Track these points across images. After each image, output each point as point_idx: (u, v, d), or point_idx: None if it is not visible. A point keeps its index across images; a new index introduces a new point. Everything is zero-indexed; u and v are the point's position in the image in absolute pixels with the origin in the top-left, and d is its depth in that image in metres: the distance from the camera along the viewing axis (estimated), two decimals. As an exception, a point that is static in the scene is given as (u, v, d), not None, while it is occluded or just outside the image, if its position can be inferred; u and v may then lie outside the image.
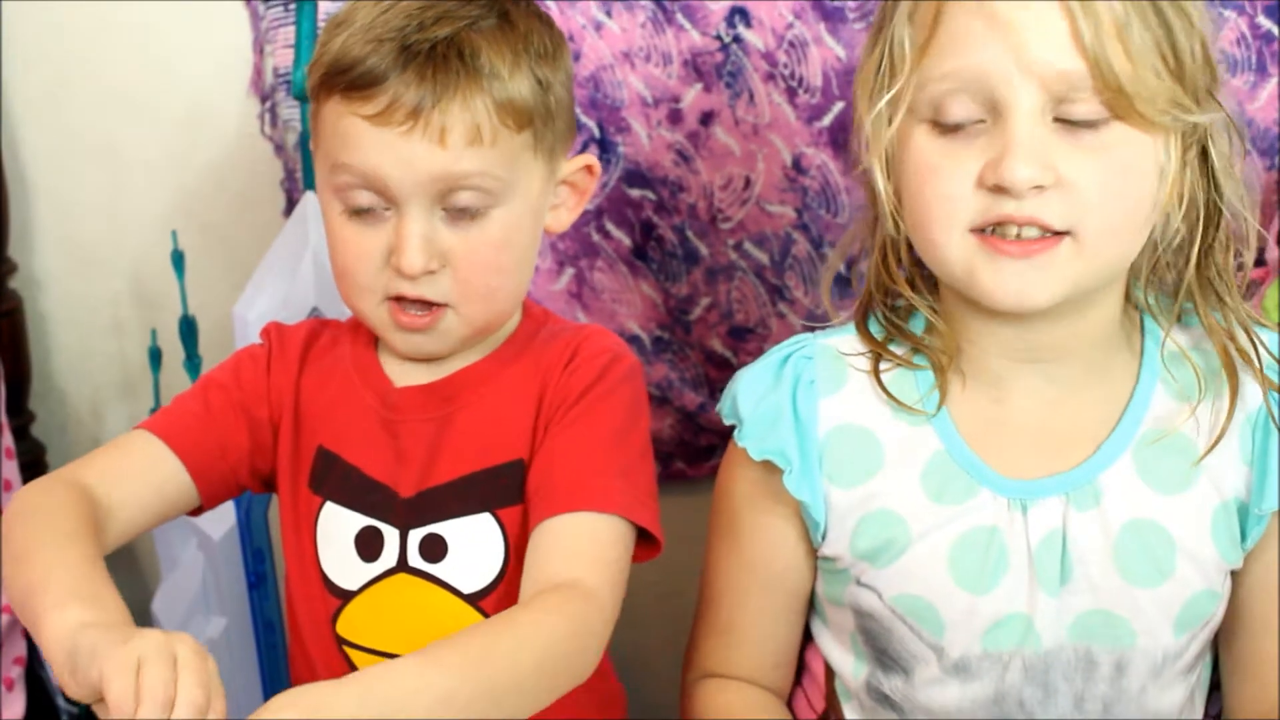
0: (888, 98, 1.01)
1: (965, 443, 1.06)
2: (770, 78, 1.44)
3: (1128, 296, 1.08)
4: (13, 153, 1.61)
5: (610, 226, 1.49)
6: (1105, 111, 0.97)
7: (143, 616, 1.46)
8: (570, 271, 1.50)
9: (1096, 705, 1.06)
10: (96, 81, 1.58)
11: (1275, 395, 1.05)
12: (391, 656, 1.06)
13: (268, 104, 1.53)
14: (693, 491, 1.23)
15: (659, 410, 1.51)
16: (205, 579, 1.43)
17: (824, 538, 1.09)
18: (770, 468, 1.07)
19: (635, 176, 1.47)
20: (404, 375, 1.12)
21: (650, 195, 1.48)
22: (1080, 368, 1.06)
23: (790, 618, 1.15)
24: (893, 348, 1.09)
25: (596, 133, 1.46)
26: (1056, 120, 0.98)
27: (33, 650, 1.52)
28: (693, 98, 1.45)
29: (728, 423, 1.11)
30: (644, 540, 1.06)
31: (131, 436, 1.10)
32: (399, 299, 1.06)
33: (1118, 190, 0.98)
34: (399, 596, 1.09)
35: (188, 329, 1.50)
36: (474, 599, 1.08)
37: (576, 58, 1.44)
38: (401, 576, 1.09)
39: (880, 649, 1.09)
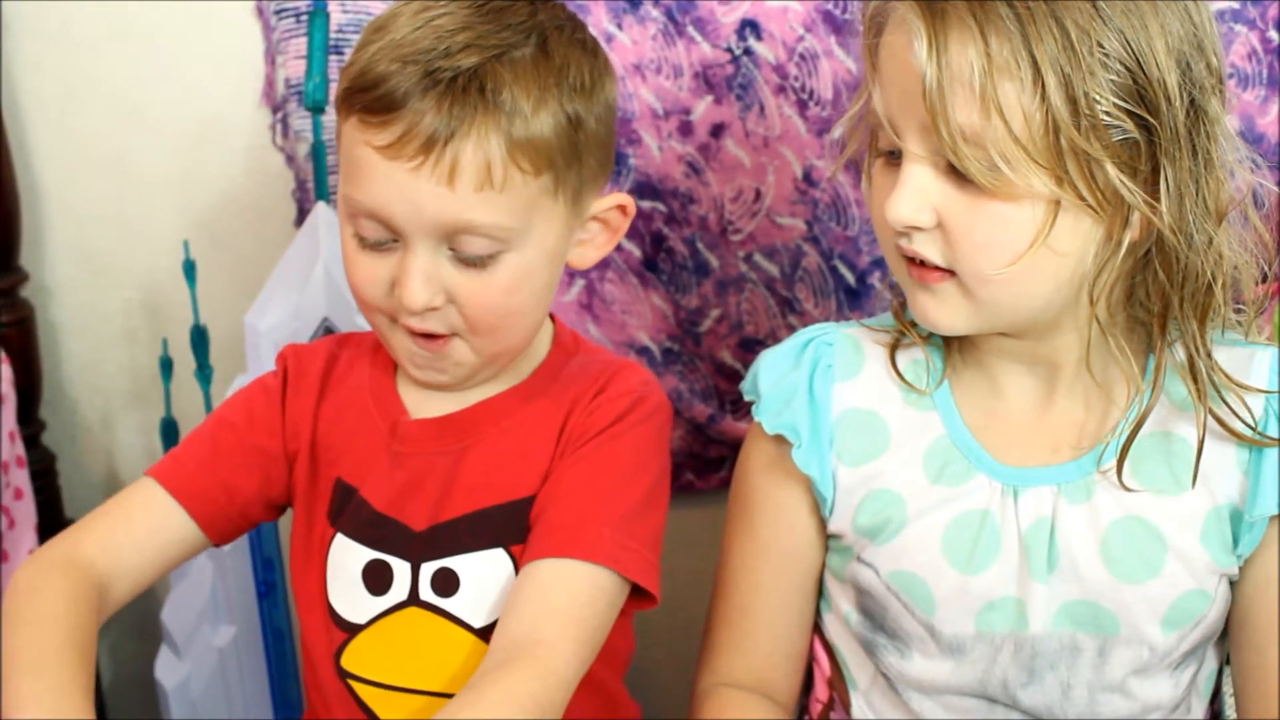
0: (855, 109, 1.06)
1: (966, 428, 1.08)
2: (781, 90, 1.44)
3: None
4: (24, 162, 1.62)
5: (621, 238, 1.49)
6: (995, 164, 0.97)
7: (152, 626, 1.46)
8: (581, 283, 1.50)
9: (1082, 692, 1.07)
10: (108, 91, 1.59)
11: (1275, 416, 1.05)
12: (397, 690, 1.08)
13: (279, 115, 1.53)
14: (701, 504, 1.22)
15: (671, 416, 1.51)
16: (214, 588, 1.43)
17: (831, 513, 1.11)
18: (783, 443, 1.11)
19: (646, 188, 1.48)
20: (423, 405, 1.10)
21: (661, 207, 1.48)
22: (1074, 373, 1.06)
23: (801, 604, 1.15)
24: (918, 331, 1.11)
25: (607, 144, 1.47)
26: (951, 166, 0.99)
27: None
28: (703, 110, 1.45)
29: (748, 399, 1.14)
30: (640, 591, 1.05)
31: (139, 488, 1.10)
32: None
33: (988, 240, 0.99)
34: (409, 630, 1.08)
35: (199, 338, 1.50)
36: (484, 633, 1.07)
37: (588, 70, 1.44)
38: (412, 610, 1.08)
39: (878, 626, 1.11)
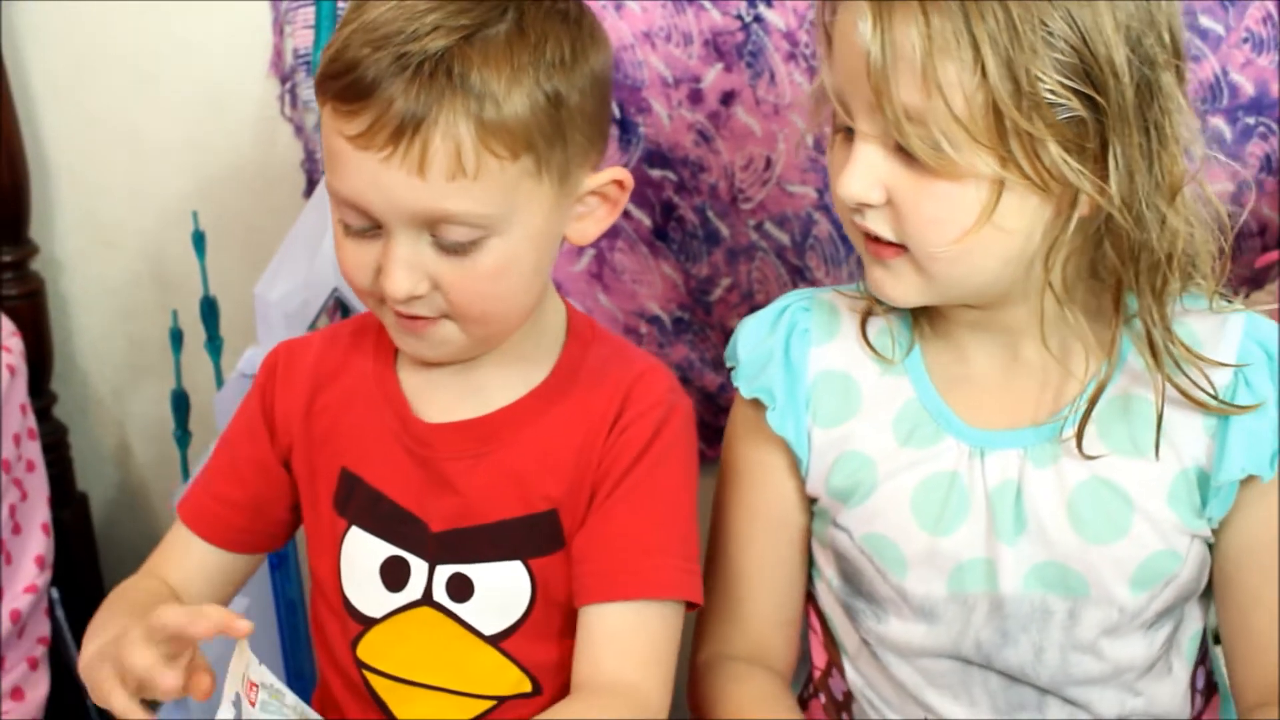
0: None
1: (936, 391, 1.09)
2: (791, 57, 1.43)
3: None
4: (34, 135, 1.62)
5: (631, 207, 1.49)
6: (939, 144, 0.97)
7: (165, 597, 1.47)
8: (591, 252, 1.50)
9: (1055, 654, 1.07)
10: (117, 63, 1.59)
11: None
12: (411, 684, 1.09)
13: (288, 85, 1.53)
14: (712, 473, 1.22)
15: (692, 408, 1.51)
16: (227, 559, 1.43)
17: (807, 475, 1.12)
18: (762, 407, 1.12)
19: (656, 157, 1.47)
20: (431, 398, 1.09)
21: (671, 176, 1.48)
22: (1035, 343, 1.06)
23: (792, 568, 1.16)
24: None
25: (617, 113, 1.46)
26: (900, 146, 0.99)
27: (56, 630, 1.53)
28: (713, 78, 1.45)
29: (728, 365, 1.15)
30: None
31: (176, 534, 1.14)
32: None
33: (936, 217, 0.99)
34: (421, 629, 1.08)
35: (209, 310, 1.51)
36: (495, 640, 1.07)
37: (597, 38, 1.43)
38: (425, 610, 1.08)
39: (855, 590, 1.12)
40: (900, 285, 1.04)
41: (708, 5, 1.43)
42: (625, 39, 1.44)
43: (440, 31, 0.96)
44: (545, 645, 1.08)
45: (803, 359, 1.12)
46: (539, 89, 0.98)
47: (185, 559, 1.13)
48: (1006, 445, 1.07)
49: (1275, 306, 1.21)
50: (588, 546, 1.05)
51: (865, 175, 1.01)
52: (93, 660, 0.98)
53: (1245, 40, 1.38)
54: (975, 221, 0.98)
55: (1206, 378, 1.04)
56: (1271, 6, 1.38)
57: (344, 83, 0.97)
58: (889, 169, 1.00)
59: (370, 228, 1.01)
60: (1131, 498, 1.05)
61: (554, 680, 1.08)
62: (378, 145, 0.96)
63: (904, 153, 0.99)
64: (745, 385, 1.12)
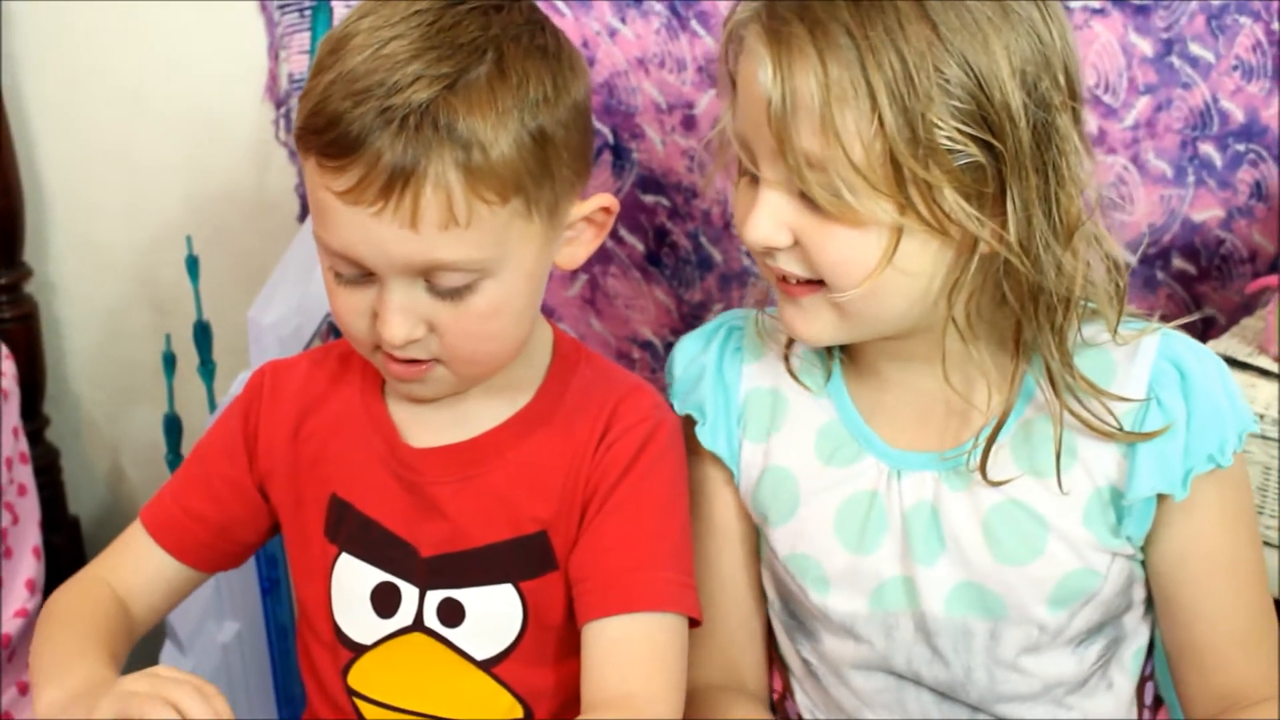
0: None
1: (857, 412, 1.10)
2: (784, 84, 1.43)
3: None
4: (28, 157, 1.62)
5: (624, 232, 1.49)
6: (839, 191, 0.97)
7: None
8: (584, 277, 1.50)
9: (982, 674, 1.08)
10: (111, 86, 1.59)
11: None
12: (402, 711, 1.08)
13: (283, 109, 1.53)
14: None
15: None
16: (218, 584, 1.43)
17: (739, 488, 1.13)
18: (694, 423, 1.13)
19: (649, 182, 1.48)
20: (419, 423, 1.08)
21: (664, 201, 1.48)
22: (953, 365, 1.05)
23: (750, 581, 1.16)
24: None
25: (611, 139, 1.47)
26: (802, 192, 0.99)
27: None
28: (707, 104, 1.45)
29: (666, 382, 1.16)
30: None
31: (132, 531, 1.13)
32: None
33: (840, 260, 1.00)
34: (412, 655, 1.08)
35: (202, 334, 1.50)
36: (487, 665, 1.07)
37: (590, 64, 1.44)
38: (417, 636, 1.07)
39: (790, 610, 1.13)
40: (814, 324, 1.04)
41: (701, 32, 1.44)
42: (619, 65, 1.45)
43: (423, 81, 0.95)
44: (538, 670, 1.07)
45: (735, 376, 1.13)
46: (524, 130, 0.97)
47: (142, 567, 1.11)
48: (922, 467, 1.07)
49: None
50: (582, 566, 1.05)
51: (770, 219, 1.01)
52: (69, 707, 0.97)
53: (1235, 68, 1.39)
54: (877, 265, 0.99)
55: (1109, 410, 1.03)
56: (1261, 34, 1.38)
57: (328, 138, 0.96)
58: (793, 213, 1.00)
59: (362, 275, 1.00)
60: (1045, 518, 1.05)
61: (546, 706, 1.08)
62: (368, 200, 0.96)
63: (807, 197, 0.99)
64: (679, 402, 1.13)
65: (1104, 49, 1.40)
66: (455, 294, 0.99)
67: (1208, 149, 1.41)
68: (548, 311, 1.12)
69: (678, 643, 1.04)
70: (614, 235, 1.49)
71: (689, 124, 1.46)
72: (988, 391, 1.05)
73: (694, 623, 1.06)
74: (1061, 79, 0.99)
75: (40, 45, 1.59)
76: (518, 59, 0.98)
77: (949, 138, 0.95)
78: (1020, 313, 1.02)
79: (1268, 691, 1.06)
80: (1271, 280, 1.33)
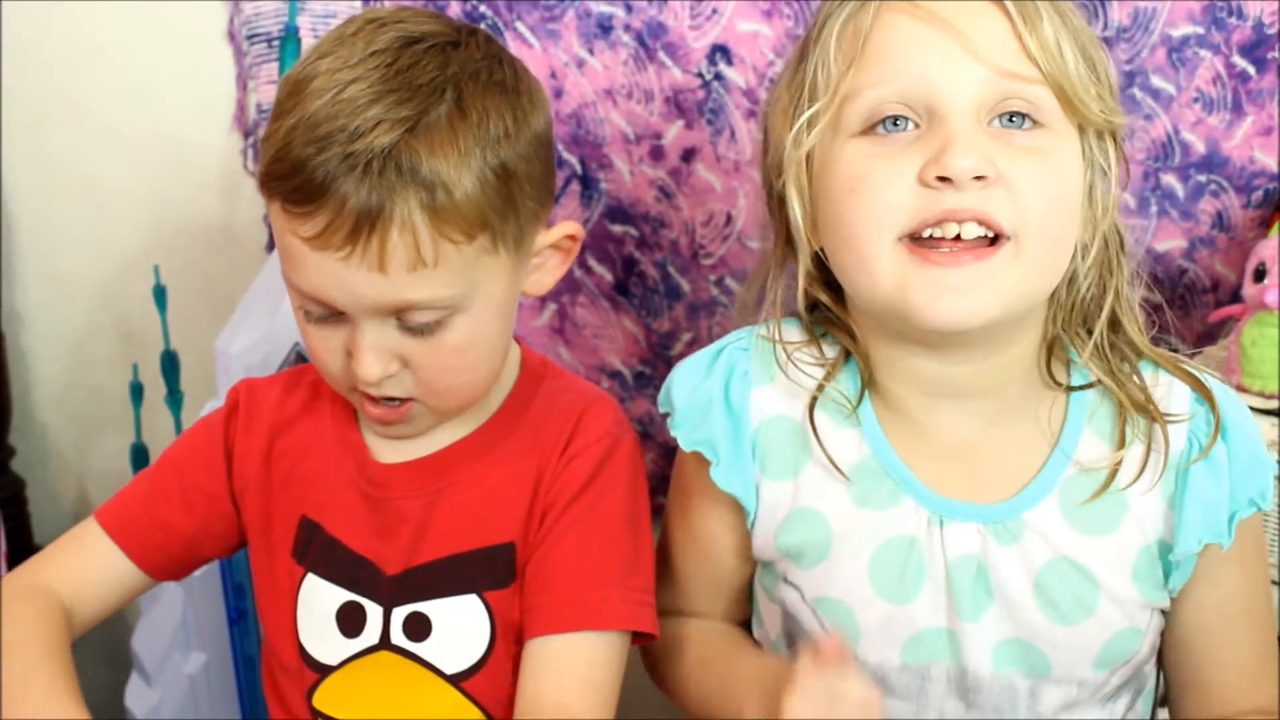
0: (808, 115, 1.02)
1: (893, 450, 1.06)
2: (751, 114, 1.44)
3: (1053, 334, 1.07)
4: (-5, 187, 1.61)
5: (592, 262, 1.49)
6: (1040, 113, 0.99)
7: (122, 653, 1.45)
8: (552, 307, 1.51)
9: None
10: (80, 116, 1.58)
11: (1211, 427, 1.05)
12: None
13: (250, 139, 1.53)
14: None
15: (640, 445, 1.51)
16: (185, 614, 1.42)
17: (753, 528, 1.09)
18: (704, 460, 1.08)
19: (617, 212, 1.48)
20: (391, 449, 1.09)
21: (632, 231, 1.48)
22: (1000, 405, 1.05)
23: (734, 592, 1.15)
24: (825, 346, 1.09)
25: (579, 169, 1.47)
26: (992, 124, 0.99)
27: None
28: (674, 134, 1.46)
29: (662, 411, 1.11)
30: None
31: (85, 526, 1.12)
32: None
33: (1054, 193, 0.99)
34: (380, 674, 1.08)
35: (169, 364, 1.50)
36: (456, 679, 1.07)
37: (558, 95, 1.44)
38: (383, 654, 1.07)
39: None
40: (984, 294, 0.98)
41: (669, 63, 1.45)
42: (587, 96, 1.45)
43: (384, 125, 0.95)
44: (507, 685, 1.07)
45: (744, 403, 1.08)
46: (487, 167, 0.98)
47: (101, 573, 1.11)
48: (967, 518, 1.04)
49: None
50: (535, 580, 1.05)
51: (975, 147, 0.97)
52: None
53: (1196, 100, 1.41)
54: (1081, 196, 1.03)
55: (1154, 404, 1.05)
56: (1221, 67, 1.40)
57: (293, 184, 0.97)
58: (994, 146, 0.99)
59: (332, 314, 1.01)
60: (1096, 577, 1.04)
61: None
62: (335, 245, 0.96)
63: (1002, 130, 0.99)
64: (685, 436, 1.08)
65: (1067, 81, 1.41)
66: (427, 330, 1.00)
67: (1170, 180, 1.43)
68: (515, 340, 1.12)
69: (614, 659, 1.04)
70: (582, 265, 1.49)
71: (657, 154, 1.46)
72: (1029, 436, 1.04)
73: (651, 636, 1.06)
74: None
75: (8, 74, 1.58)
76: (477, 96, 0.99)
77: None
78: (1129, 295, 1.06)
79: (1269, 710, 1.07)
80: (1235, 309, 1.34)
